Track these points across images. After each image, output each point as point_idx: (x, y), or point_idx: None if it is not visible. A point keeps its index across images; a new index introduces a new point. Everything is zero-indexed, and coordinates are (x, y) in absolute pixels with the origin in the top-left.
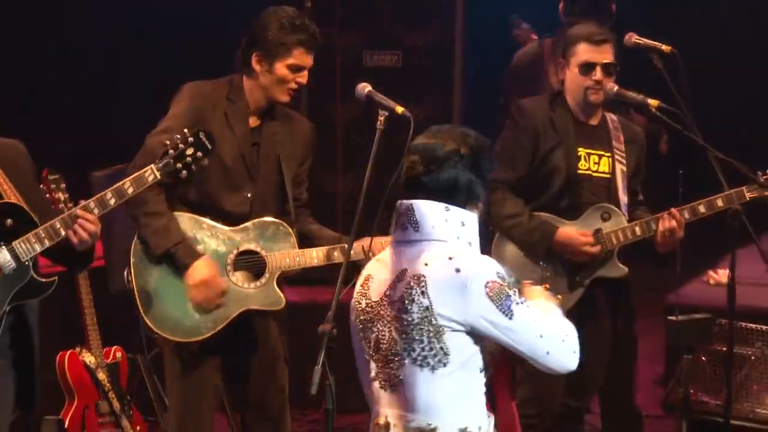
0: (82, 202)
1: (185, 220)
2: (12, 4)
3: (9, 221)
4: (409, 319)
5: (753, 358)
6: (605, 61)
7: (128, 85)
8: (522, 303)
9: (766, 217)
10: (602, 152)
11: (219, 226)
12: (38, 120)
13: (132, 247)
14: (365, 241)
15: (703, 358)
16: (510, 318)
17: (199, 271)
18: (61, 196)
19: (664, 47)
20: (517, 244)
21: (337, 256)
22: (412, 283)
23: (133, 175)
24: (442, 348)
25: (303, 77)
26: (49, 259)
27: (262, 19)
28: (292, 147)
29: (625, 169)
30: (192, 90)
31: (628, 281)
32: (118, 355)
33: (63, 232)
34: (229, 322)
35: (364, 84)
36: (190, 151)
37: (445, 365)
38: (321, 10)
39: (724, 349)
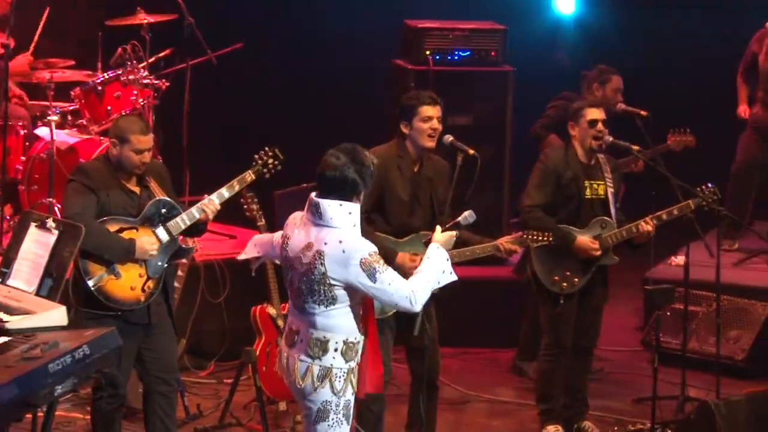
0: (207, 196)
1: (382, 238)
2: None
3: (164, 210)
4: (312, 278)
5: (701, 313)
6: (604, 118)
7: (306, 114)
8: (384, 271)
9: (708, 219)
10: (599, 181)
11: (396, 240)
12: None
13: None
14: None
15: (668, 313)
16: (374, 282)
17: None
18: (255, 206)
19: (642, 112)
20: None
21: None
22: (315, 256)
23: (238, 177)
24: (332, 296)
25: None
26: (184, 233)
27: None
28: (438, 180)
29: (612, 191)
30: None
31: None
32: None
33: (197, 216)
34: None
35: (448, 136)
36: (271, 162)
37: (333, 305)
38: (421, 87)
39: (682, 307)
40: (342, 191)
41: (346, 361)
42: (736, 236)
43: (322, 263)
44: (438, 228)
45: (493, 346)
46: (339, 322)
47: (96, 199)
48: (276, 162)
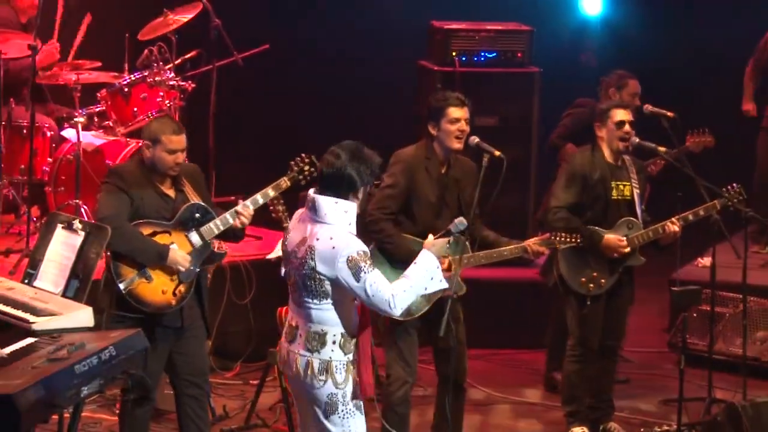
0: (241, 202)
1: (409, 240)
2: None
3: (197, 214)
4: (304, 272)
5: (727, 315)
6: (631, 119)
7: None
8: (369, 272)
9: (734, 221)
10: (625, 182)
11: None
12: (266, 148)
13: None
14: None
15: (694, 315)
16: (357, 281)
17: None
18: (281, 208)
19: (668, 113)
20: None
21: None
22: (307, 252)
23: (274, 183)
24: (323, 290)
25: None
26: (218, 238)
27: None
28: (465, 181)
29: (638, 192)
30: (401, 157)
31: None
32: None
33: (231, 221)
34: (433, 305)
35: (474, 137)
36: (307, 169)
37: (326, 299)
38: (447, 88)
39: (709, 309)
40: (338, 188)
41: (345, 354)
42: (762, 239)
43: (312, 258)
44: (430, 235)
45: (519, 347)
46: (334, 316)
47: (130, 202)
48: (312, 169)
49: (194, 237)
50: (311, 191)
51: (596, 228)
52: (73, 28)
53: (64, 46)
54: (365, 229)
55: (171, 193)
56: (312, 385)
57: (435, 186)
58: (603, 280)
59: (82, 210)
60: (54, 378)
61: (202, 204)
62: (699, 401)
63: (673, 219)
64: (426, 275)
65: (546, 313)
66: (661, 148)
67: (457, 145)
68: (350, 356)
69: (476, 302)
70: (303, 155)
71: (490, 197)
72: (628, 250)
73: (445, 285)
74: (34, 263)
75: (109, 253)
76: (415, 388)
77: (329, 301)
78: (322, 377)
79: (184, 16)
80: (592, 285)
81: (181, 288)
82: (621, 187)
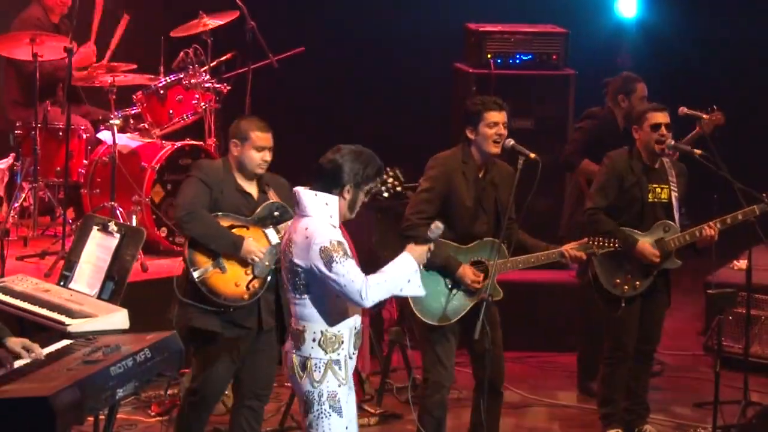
0: None
1: (446, 246)
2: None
3: (276, 213)
4: (287, 266)
5: (763, 317)
6: (667, 122)
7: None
8: (340, 262)
9: None
10: (663, 185)
11: (460, 246)
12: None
13: None
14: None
15: (730, 318)
16: (329, 270)
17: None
18: None
19: (705, 115)
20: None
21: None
22: (287, 244)
23: None
24: (302, 284)
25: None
26: None
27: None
28: (503, 185)
29: (677, 195)
30: (439, 161)
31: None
32: None
33: None
34: (469, 309)
35: (509, 139)
36: (390, 181)
37: (306, 294)
38: (482, 91)
39: (744, 311)
40: (325, 180)
41: (327, 353)
42: None
43: (290, 250)
44: (412, 243)
45: (554, 350)
46: (314, 312)
47: (209, 193)
48: (396, 183)
49: (271, 234)
50: (296, 187)
51: (631, 231)
52: (109, 30)
53: (101, 47)
54: (402, 234)
55: (253, 192)
56: (295, 381)
57: (472, 190)
58: (638, 283)
59: (118, 212)
60: (89, 380)
61: (282, 203)
62: (734, 404)
63: (711, 223)
64: (403, 276)
65: (583, 317)
66: (697, 151)
67: (495, 149)
68: (333, 355)
69: (512, 305)
70: (387, 168)
71: (525, 200)
72: (658, 260)
73: (422, 292)
74: (70, 265)
75: (187, 242)
76: (450, 391)
77: (308, 296)
78: (301, 373)
79: (218, 21)
80: (626, 287)
81: (255, 283)
82: (658, 190)
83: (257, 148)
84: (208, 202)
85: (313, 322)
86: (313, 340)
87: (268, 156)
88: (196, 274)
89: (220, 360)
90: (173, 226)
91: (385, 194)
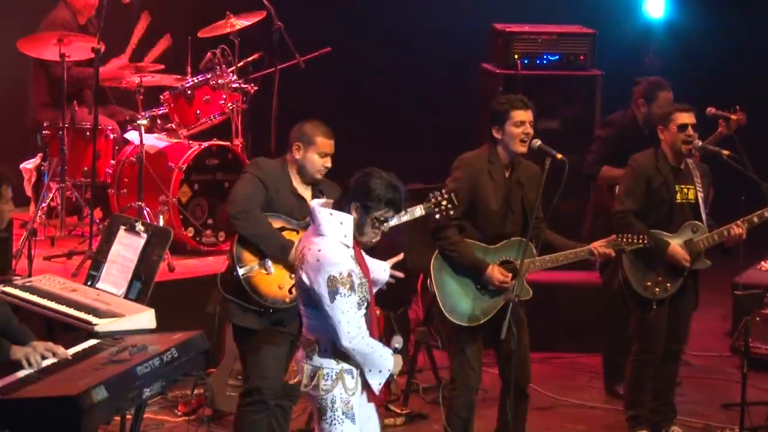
0: None
1: (474, 247)
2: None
3: None
4: (298, 281)
5: None
6: (694, 122)
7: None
8: (344, 296)
9: None
10: (690, 186)
11: (488, 246)
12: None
13: (432, 262)
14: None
15: (758, 318)
16: (332, 301)
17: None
18: None
19: (732, 116)
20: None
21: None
22: (300, 259)
23: (409, 209)
24: (312, 299)
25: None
26: None
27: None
28: (529, 185)
29: (702, 195)
30: (464, 161)
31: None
32: (377, 312)
33: None
34: (499, 309)
35: (536, 140)
36: (444, 204)
37: (316, 308)
38: (509, 91)
39: None
40: (353, 195)
41: (338, 363)
42: None
43: (302, 267)
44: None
45: (580, 350)
46: (324, 324)
47: (265, 192)
48: (449, 206)
49: None
50: (313, 201)
51: (661, 233)
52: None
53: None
54: (431, 234)
55: (307, 196)
56: (306, 391)
57: (498, 190)
58: (669, 284)
59: (145, 212)
60: (116, 379)
61: None
62: (762, 405)
63: (738, 222)
64: (378, 362)
65: (609, 318)
66: (725, 152)
67: (522, 148)
68: (345, 365)
69: (539, 306)
70: (443, 191)
71: (552, 200)
72: (688, 264)
73: (376, 390)
74: (97, 265)
75: (236, 238)
76: (478, 392)
77: (318, 310)
78: (312, 382)
79: (244, 21)
80: (657, 289)
81: None
82: (685, 190)
83: (321, 153)
84: (263, 201)
85: (324, 334)
86: (324, 351)
87: (329, 162)
88: (241, 271)
89: (267, 356)
90: (220, 222)
91: (437, 216)
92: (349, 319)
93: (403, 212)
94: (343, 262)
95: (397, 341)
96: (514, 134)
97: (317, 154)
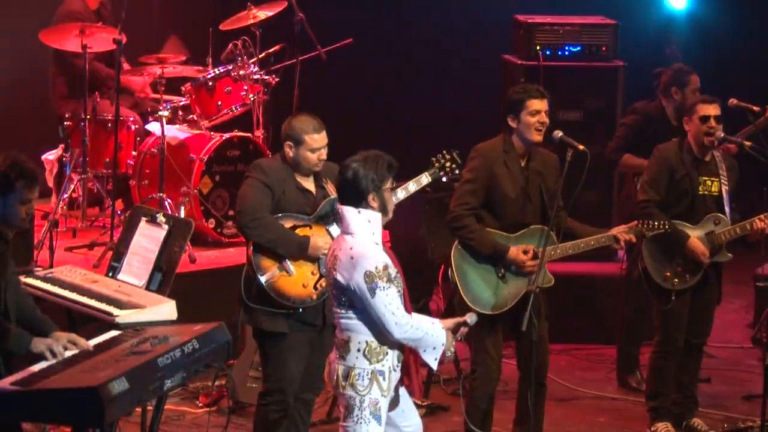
0: None
1: (493, 234)
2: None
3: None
4: (332, 283)
5: None
6: (717, 114)
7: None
8: (384, 289)
9: None
10: (714, 178)
11: (509, 235)
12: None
13: (453, 252)
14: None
15: None
16: (372, 296)
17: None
18: None
19: (754, 108)
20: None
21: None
22: (332, 261)
23: (414, 179)
24: (347, 299)
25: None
26: None
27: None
28: (547, 174)
29: (727, 188)
30: (480, 151)
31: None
32: None
33: None
34: (521, 297)
35: (558, 131)
36: (448, 165)
37: (351, 308)
38: (531, 82)
39: None
40: (351, 197)
41: (371, 363)
42: None
43: (335, 268)
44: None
45: (601, 342)
46: (359, 324)
47: (272, 195)
48: (454, 166)
49: (334, 230)
50: (338, 205)
51: (682, 224)
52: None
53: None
54: (449, 226)
55: (312, 188)
56: (338, 390)
57: (515, 179)
58: (688, 276)
59: (166, 203)
60: (137, 371)
61: None
62: None
63: (762, 216)
64: (431, 341)
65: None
66: (747, 143)
67: (538, 137)
68: (378, 366)
69: (559, 297)
70: (444, 151)
71: (573, 192)
72: (708, 261)
73: (434, 366)
74: (118, 256)
75: (251, 247)
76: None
77: (353, 310)
78: (345, 382)
79: (266, 12)
80: (677, 280)
81: (323, 282)
82: (708, 182)
83: (313, 149)
84: (271, 204)
85: (359, 333)
86: (358, 350)
87: (323, 154)
88: (263, 279)
89: (291, 358)
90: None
91: (444, 179)
92: (394, 310)
93: (411, 183)
94: (377, 255)
95: (470, 317)
96: (530, 123)
97: (309, 150)
